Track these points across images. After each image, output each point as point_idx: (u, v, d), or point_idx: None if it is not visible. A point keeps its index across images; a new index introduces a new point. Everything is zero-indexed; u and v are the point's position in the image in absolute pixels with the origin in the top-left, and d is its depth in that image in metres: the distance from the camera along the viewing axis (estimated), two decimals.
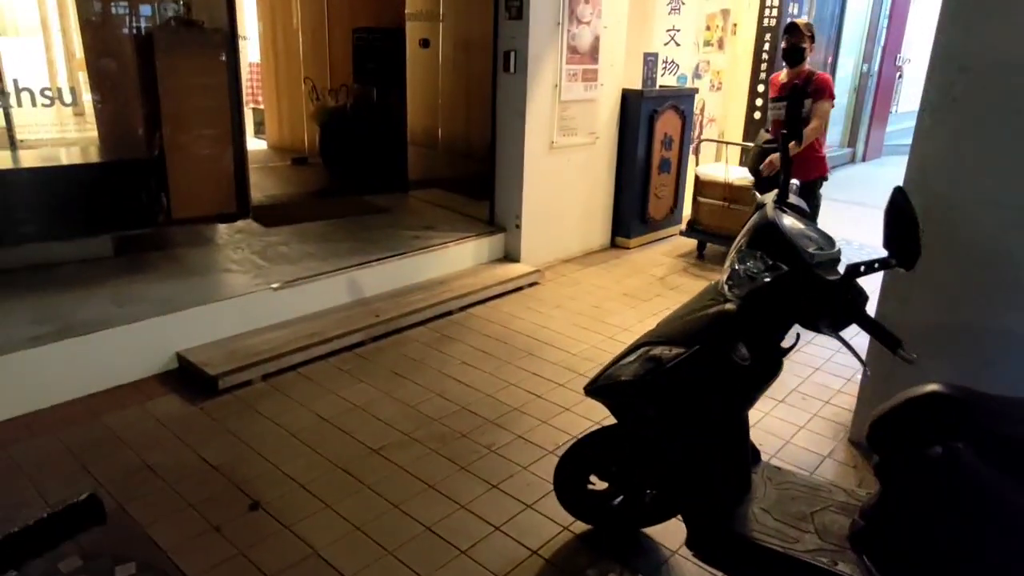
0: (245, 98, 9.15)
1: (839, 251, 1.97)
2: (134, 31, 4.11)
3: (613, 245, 5.92)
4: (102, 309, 3.54)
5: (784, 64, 4.48)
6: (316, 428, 3.15)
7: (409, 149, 6.29)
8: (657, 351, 2.07)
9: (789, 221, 2.00)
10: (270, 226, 5.10)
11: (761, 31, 6.64)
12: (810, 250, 1.90)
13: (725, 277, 2.08)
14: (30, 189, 4.03)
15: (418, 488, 2.78)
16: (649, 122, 5.59)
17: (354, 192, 6.27)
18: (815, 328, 1.92)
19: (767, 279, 1.93)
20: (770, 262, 1.95)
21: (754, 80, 6.69)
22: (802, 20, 4.81)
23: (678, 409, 2.03)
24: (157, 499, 2.64)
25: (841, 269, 1.83)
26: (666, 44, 6.04)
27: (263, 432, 3.10)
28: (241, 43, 6.17)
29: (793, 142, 4.00)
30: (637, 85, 5.53)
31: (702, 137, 6.56)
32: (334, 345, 3.84)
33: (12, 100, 4.24)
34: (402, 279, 4.58)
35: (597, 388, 2.24)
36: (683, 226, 5.86)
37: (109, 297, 3.68)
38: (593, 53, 5.20)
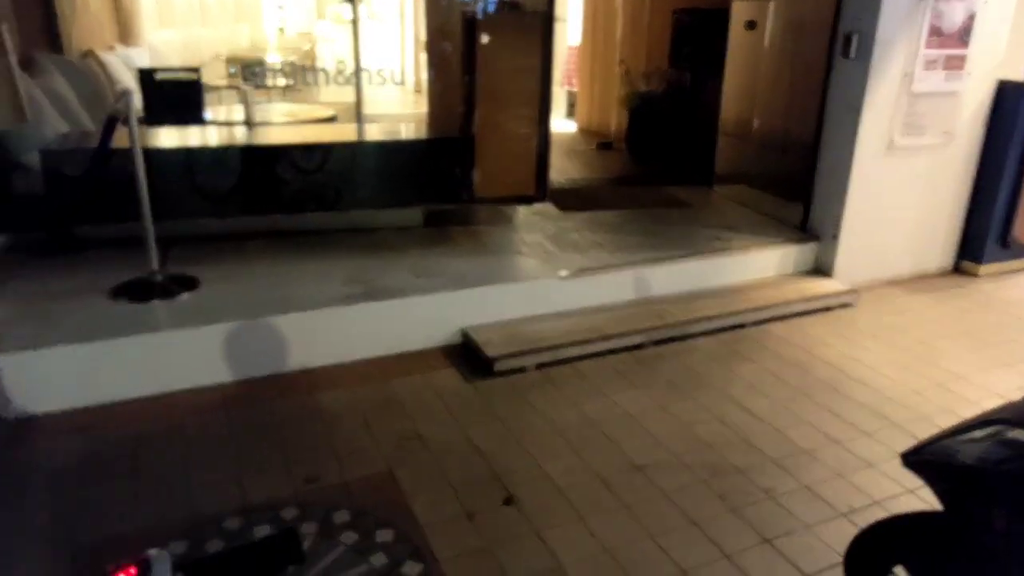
0: (561, 81, 9.42)
1: None
2: (465, 15, 4.28)
3: (956, 270, 4.91)
4: (403, 278, 3.77)
5: None
6: (582, 429, 3.01)
7: (719, 140, 5.85)
8: (1020, 435, 1.52)
9: None
10: (565, 210, 5.08)
11: None
12: None
13: None
14: (367, 160, 4.42)
15: (679, 521, 2.49)
16: None
17: (655, 182, 6.03)
18: None
19: None
20: None
21: None
22: None
23: None
24: (422, 471, 2.71)
25: None
26: None
27: (530, 423, 3.04)
28: (559, 25, 6.25)
29: None
30: (1022, 76, 4.45)
31: None
32: (613, 344, 3.66)
33: (365, 79, 4.73)
34: (693, 281, 4.25)
35: (922, 461, 1.73)
36: None
37: (410, 266, 3.92)
38: (963, 35, 4.27)
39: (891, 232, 4.61)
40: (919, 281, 4.75)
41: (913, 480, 2.44)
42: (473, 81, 4.16)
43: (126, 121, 3.30)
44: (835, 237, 4.45)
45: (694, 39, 6.25)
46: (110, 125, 3.35)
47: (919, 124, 4.39)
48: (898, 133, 4.34)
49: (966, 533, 1.73)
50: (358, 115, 5.24)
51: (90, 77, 5.14)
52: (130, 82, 5.23)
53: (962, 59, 4.34)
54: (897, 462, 1.78)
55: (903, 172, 4.48)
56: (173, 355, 3.15)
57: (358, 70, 4.67)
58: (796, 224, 4.74)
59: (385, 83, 4.78)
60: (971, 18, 4.25)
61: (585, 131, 8.49)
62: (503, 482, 2.66)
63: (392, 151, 4.53)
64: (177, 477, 2.64)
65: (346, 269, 3.85)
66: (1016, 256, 4.85)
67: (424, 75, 5.74)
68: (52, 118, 4.14)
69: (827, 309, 4.24)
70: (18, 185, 3.74)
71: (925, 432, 2.89)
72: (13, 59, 3.02)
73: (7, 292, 3.43)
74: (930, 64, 4.26)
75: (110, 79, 5.42)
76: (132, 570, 0.92)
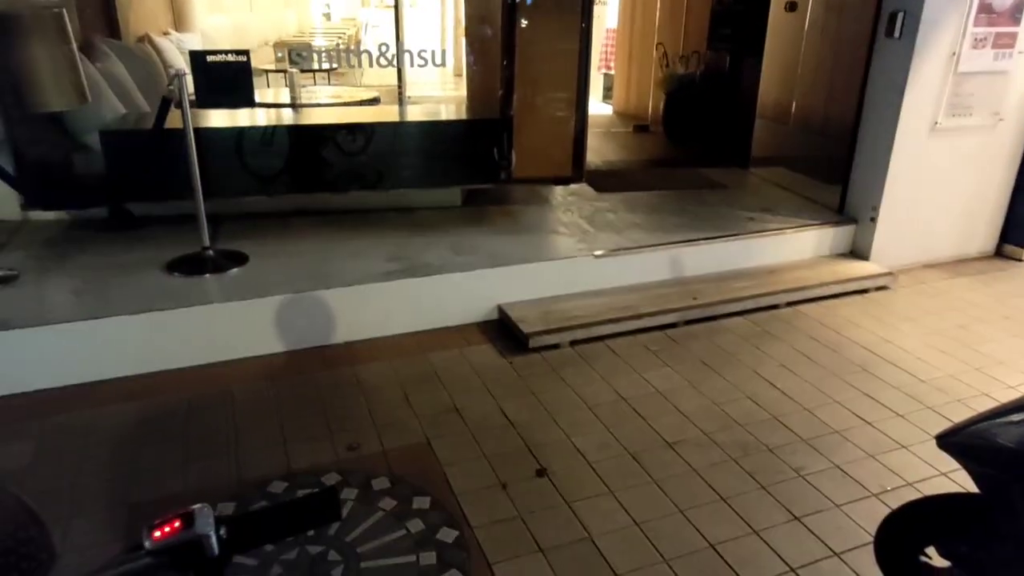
0: (598, 64, 9.37)
1: None
2: None
3: (999, 254, 4.82)
4: (442, 255, 3.86)
5: None
6: (614, 406, 3.07)
7: (757, 122, 5.81)
8: None
9: None
10: (602, 191, 5.11)
11: None
12: None
13: None
14: (409, 140, 4.49)
15: (709, 497, 2.54)
16: None
17: (691, 164, 6.01)
18: None
19: None
20: None
21: None
22: None
23: None
24: (457, 442, 2.81)
25: None
26: None
27: (562, 399, 3.12)
28: (598, 8, 6.23)
29: None
30: None
31: None
32: (646, 322, 3.71)
33: (407, 61, 4.80)
34: (728, 262, 4.26)
35: (958, 443, 1.74)
36: None
37: (450, 244, 4.01)
38: (1015, 12, 4.17)
39: (932, 215, 4.54)
40: (959, 265, 4.69)
41: (947, 462, 2.45)
42: (512, 64, 4.20)
43: (179, 103, 3.43)
44: (873, 220, 4.40)
45: (733, 22, 6.18)
46: (164, 106, 3.49)
47: (966, 105, 4.31)
48: (943, 114, 4.27)
49: (1005, 516, 1.73)
50: (400, 97, 5.32)
51: (146, 61, 5.32)
52: (183, 66, 5.41)
53: (1013, 37, 4.24)
54: (931, 444, 1.79)
55: (947, 154, 4.40)
56: (223, 327, 3.30)
57: (400, 53, 4.73)
58: (833, 206, 4.71)
59: (426, 66, 4.85)
60: None
61: (622, 114, 8.46)
62: (536, 455, 2.74)
63: (432, 132, 4.60)
64: (225, 443, 2.78)
65: (387, 247, 3.96)
66: None
67: (464, 58, 5.79)
68: (111, 100, 4.31)
69: (863, 291, 4.21)
70: (79, 164, 3.93)
71: (961, 416, 2.89)
72: (74, 45, 3.17)
73: (70, 266, 3.62)
74: (978, 42, 4.17)
75: (164, 63, 5.60)
76: (176, 523, 0.93)
